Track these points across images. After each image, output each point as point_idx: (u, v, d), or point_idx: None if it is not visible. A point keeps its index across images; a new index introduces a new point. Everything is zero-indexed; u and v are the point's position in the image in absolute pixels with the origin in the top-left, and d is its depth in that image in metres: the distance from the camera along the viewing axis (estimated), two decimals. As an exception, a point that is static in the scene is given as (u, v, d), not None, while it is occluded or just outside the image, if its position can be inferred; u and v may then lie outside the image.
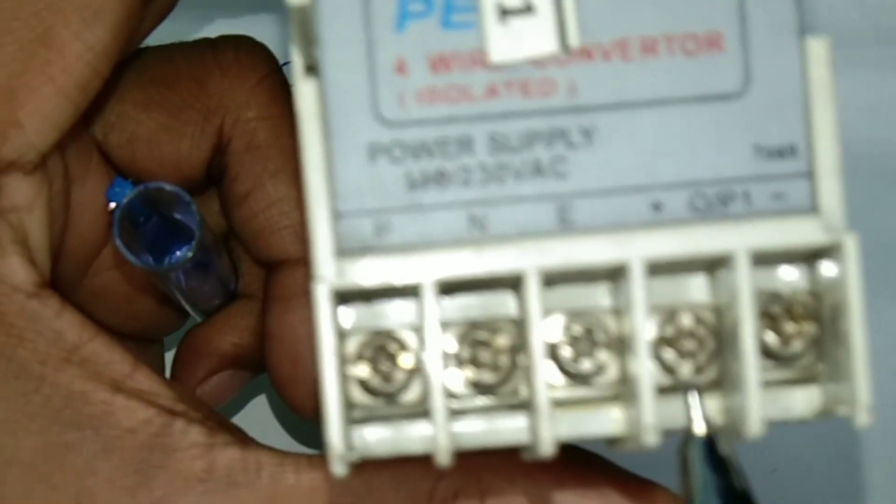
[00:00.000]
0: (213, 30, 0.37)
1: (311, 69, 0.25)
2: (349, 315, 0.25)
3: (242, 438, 0.30)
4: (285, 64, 0.35)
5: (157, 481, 0.29)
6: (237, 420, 0.38)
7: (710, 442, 0.25)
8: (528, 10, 0.25)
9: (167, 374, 0.38)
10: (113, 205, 0.33)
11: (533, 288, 0.24)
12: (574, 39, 0.25)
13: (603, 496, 0.29)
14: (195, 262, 0.34)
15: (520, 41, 0.25)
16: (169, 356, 0.38)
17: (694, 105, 0.25)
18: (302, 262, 0.34)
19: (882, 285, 0.36)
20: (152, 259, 0.34)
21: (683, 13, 0.25)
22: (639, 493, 0.29)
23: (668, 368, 0.25)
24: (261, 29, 0.37)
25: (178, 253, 0.36)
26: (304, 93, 0.25)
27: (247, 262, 0.37)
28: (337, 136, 0.25)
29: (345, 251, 0.25)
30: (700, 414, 0.25)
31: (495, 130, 0.25)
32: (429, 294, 0.24)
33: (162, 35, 0.34)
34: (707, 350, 0.25)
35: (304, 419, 0.35)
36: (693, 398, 0.25)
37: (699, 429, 0.25)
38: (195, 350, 0.37)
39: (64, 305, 0.30)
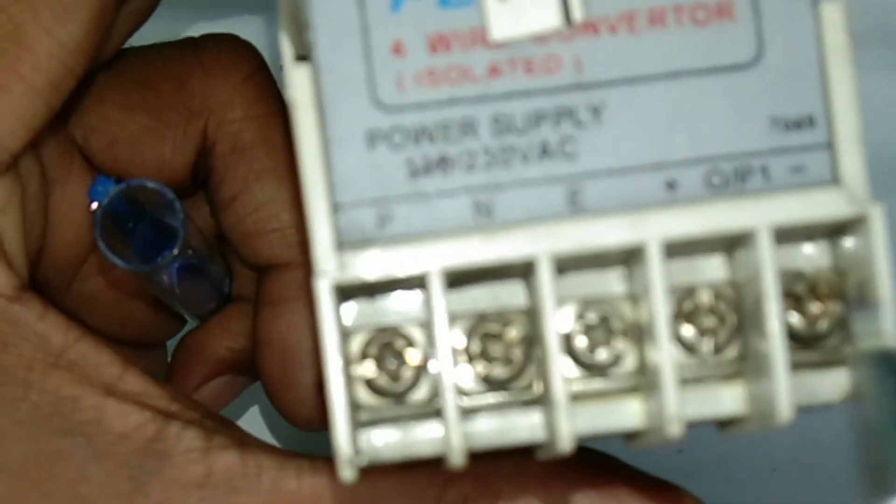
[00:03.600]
0: (198, 29, 0.35)
1: (302, 58, 0.24)
2: (352, 311, 0.24)
3: (241, 439, 0.29)
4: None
5: (153, 488, 0.28)
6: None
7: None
8: (528, -17, 0.24)
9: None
10: (95, 205, 0.32)
11: (545, 274, 0.23)
12: (578, 13, 0.24)
13: (620, 501, 0.28)
14: (186, 263, 0.33)
15: (521, 17, 0.24)
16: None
17: (706, 77, 0.24)
18: (291, 266, 0.33)
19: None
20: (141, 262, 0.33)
21: (691, -18, 0.24)
22: (659, 497, 0.28)
23: (688, 347, 0.24)
24: (247, 28, 0.36)
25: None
26: (298, 79, 0.23)
27: (240, 265, 0.36)
28: (333, 124, 0.24)
29: (346, 244, 0.23)
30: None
31: (499, 111, 0.24)
32: (436, 284, 0.23)
33: (146, 35, 0.33)
34: (728, 326, 0.24)
35: (295, 427, 0.34)
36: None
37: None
38: (190, 355, 0.36)
39: (46, 307, 0.29)
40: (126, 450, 0.28)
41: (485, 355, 0.24)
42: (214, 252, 0.35)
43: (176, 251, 0.31)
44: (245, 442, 0.29)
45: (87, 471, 0.28)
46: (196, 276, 0.34)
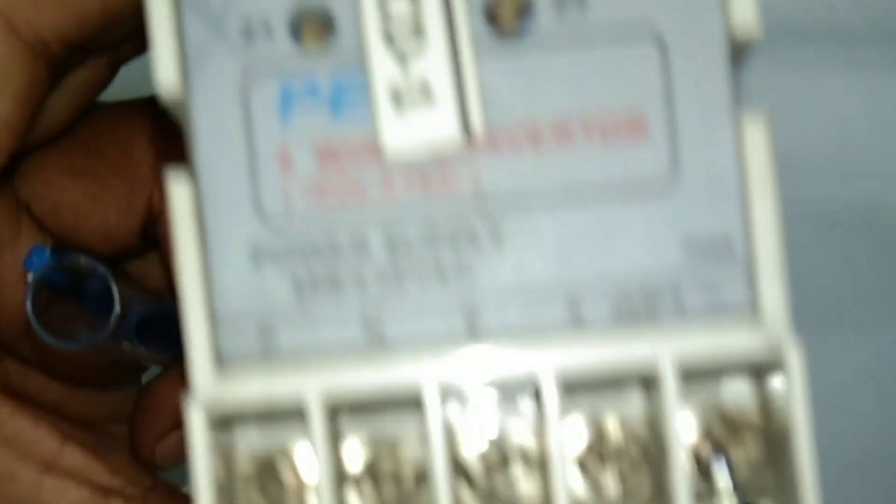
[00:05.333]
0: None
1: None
2: (238, 432, 0.23)
3: None
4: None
5: None
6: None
7: None
8: (425, 94, 0.22)
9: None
10: (31, 276, 0.31)
11: (433, 411, 0.22)
12: (478, 127, 0.22)
13: None
14: (144, 320, 0.32)
15: (417, 130, 0.22)
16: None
17: (616, 197, 0.22)
18: None
19: (886, 285, 0.34)
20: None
21: (601, 93, 0.22)
22: None
23: (594, 485, 0.22)
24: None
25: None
26: (176, 191, 0.22)
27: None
28: (215, 239, 0.22)
29: (226, 365, 0.22)
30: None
31: (392, 231, 0.22)
32: (315, 414, 0.22)
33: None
34: (637, 466, 0.23)
35: None
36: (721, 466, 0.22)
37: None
38: (150, 407, 0.35)
39: None
40: None
41: (377, 488, 0.22)
42: (172, 304, 0.34)
43: (105, 335, 0.30)
44: None
45: None
46: (154, 334, 0.33)
